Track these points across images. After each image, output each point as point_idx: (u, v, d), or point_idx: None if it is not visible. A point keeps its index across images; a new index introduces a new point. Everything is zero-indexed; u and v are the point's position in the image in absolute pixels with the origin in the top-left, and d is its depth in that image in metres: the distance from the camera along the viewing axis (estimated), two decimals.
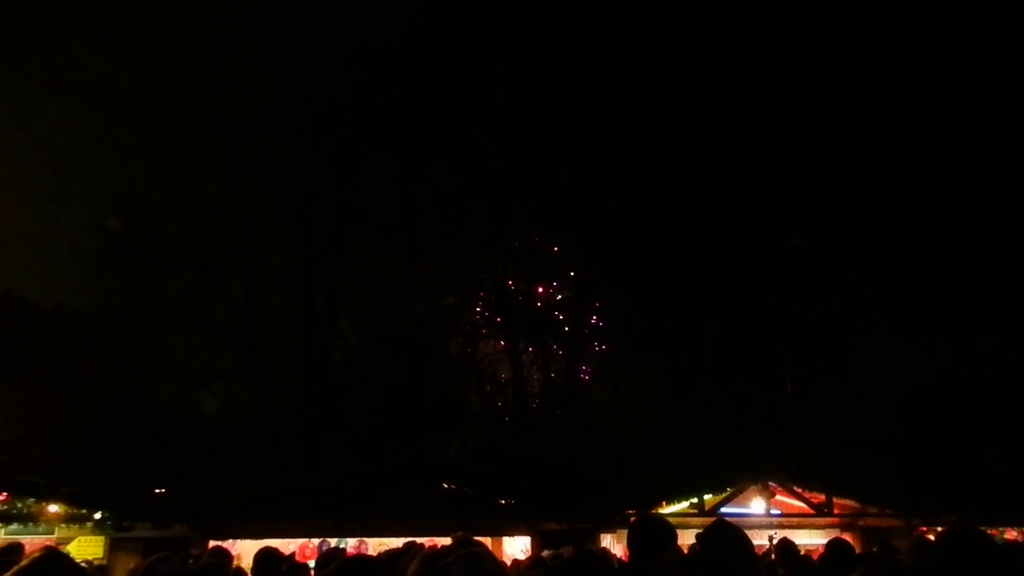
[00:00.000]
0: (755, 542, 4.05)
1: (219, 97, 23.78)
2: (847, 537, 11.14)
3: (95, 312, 23.78)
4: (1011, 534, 14.82)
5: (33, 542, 10.22)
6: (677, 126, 24.44)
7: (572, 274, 28.13)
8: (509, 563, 9.19)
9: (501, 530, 14.06)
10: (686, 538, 4.54)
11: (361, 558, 5.12)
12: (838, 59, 24.76)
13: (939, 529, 11.32)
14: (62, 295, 24.02)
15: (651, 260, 25.39)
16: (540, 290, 28.25)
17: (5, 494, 11.89)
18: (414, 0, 23.53)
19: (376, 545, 12.53)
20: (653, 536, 4.13)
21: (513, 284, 27.78)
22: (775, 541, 7.54)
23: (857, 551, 8.23)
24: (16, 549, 8.34)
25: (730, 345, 25.45)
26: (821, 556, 6.73)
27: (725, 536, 3.72)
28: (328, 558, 7.19)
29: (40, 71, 23.56)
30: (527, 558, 9.24)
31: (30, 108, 23.32)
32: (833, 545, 6.45)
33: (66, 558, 4.28)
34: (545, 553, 8.88)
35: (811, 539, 13.97)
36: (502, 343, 27.56)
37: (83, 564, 10.73)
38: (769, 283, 24.99)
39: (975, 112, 24.46)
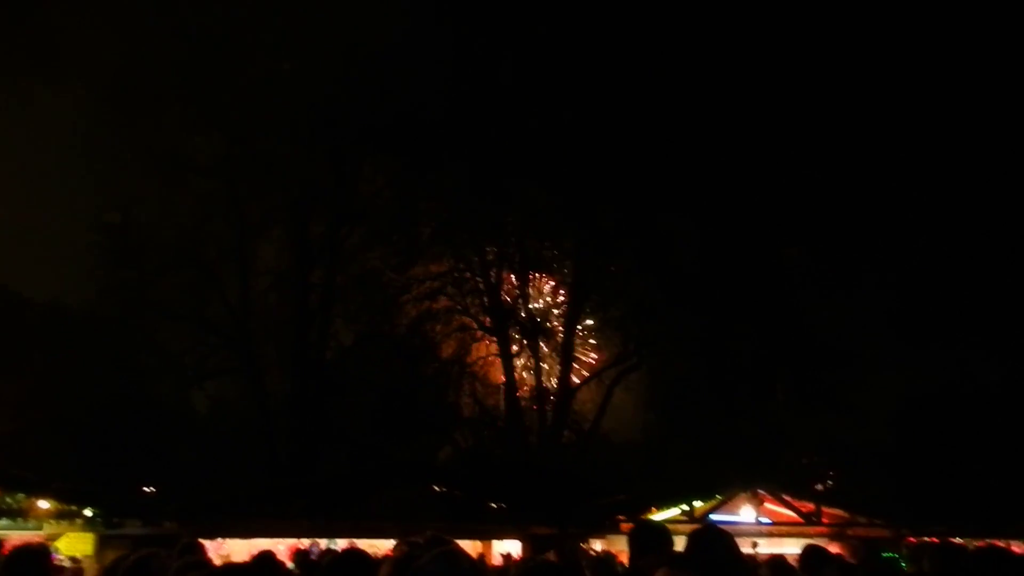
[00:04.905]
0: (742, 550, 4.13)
1: (219, 94, 23.73)
2: (836, 546, 11.19)
3: (89, 308, 23.68)
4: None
5: (22, 537, 10.21)
6: (677, 126, 24.40)
7: (559, 282, 28.24)
8: (501, 560, 9.22)
9: (491, 533, 14.09)
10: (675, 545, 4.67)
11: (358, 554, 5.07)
12: (847, 64, 24.51)
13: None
14: (56, 291, 23.92)
15: (647, 264, 25.42)
16: (533, 294, 28.29)
17: None
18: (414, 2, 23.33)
19: (367, 547, 12.52)
20: (646, 539, 4.33)
21: (507, 287, 27.83)
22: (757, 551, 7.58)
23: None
24: None
25: (725, 352, 25.44)
26: (798, 562, 6.80)
27: (712, 538, 3.86)
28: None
29: (38, 63, 23.41)
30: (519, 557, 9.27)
31: (27, 101, 23.19)
32: (808, 552, 6.53)
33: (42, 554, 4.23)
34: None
35: (799, 548, 14.00)
36: (495, 346, 27.59)
37: (70, 561, 10.72)
38: (767, 290, 24.99)
39: (985, 122, 24.19)
